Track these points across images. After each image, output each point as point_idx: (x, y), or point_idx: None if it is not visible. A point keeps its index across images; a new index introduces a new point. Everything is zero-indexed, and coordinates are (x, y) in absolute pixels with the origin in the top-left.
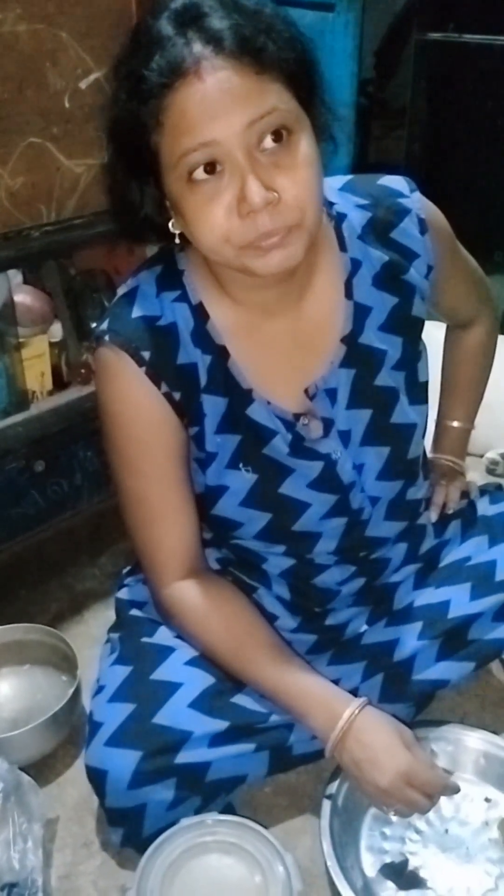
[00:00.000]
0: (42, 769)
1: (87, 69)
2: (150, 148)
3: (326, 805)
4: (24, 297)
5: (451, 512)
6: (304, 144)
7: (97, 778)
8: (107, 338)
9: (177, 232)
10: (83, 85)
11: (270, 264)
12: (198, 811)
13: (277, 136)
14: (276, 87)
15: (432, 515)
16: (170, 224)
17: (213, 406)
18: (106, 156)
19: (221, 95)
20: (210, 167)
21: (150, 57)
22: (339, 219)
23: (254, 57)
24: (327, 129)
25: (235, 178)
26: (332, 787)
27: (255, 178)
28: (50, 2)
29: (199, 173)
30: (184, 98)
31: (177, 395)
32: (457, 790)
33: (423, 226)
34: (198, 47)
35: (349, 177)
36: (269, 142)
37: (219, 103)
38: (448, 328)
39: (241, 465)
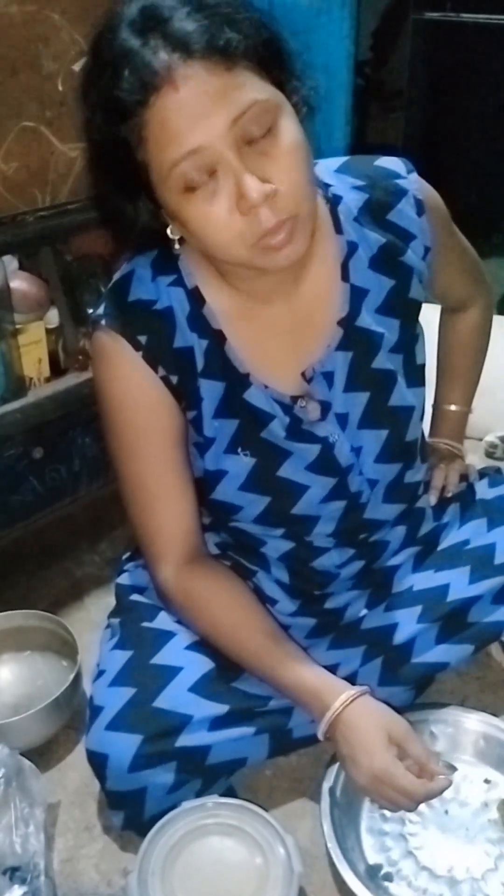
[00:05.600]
0: (43, 754)
1: (81, 51)
2: (138, 163)
3: (326, 787)
4: (20, 284)
5: (450, 495)
6: (289, 129)
7: (98, 762)
8: (103, 322)
9: (176, 238)
10: (77, 67)
11: (279, 261)
12: (198, 794)
13: (261, 127)
14: (250, 77)
15: (431, 499)
16: (168, 230)
17: (211, 390)
18: (92, 177)
19: (199, 100)
20: (201, 174)
21: (119, 76)
22: (334, 201)
23: (223, 54)
24: (308, 100)
25: (229, 178)
26: (333, 770)
27: (249, 175)
28: None
29: (192, 182)
30: (161, 110)
31: (174, 379)
32: (447, 787)
33: (420, 207)
34: (164, 56)
35: (345, 158)
36: (254, 134)
37: (197, 108)
38: (443, 311)
39: (239, 450)
